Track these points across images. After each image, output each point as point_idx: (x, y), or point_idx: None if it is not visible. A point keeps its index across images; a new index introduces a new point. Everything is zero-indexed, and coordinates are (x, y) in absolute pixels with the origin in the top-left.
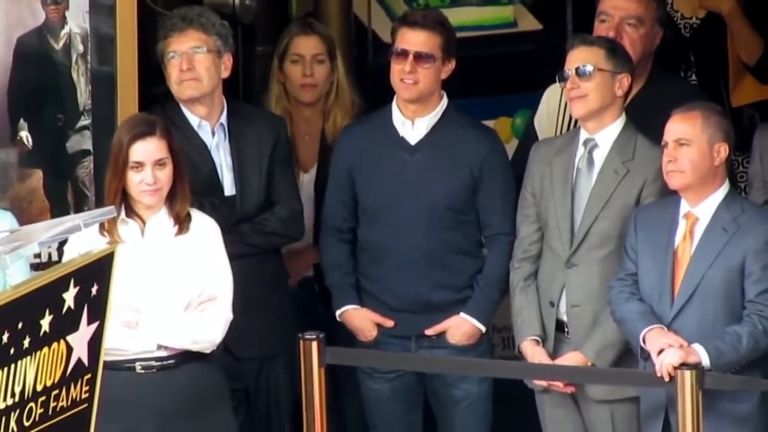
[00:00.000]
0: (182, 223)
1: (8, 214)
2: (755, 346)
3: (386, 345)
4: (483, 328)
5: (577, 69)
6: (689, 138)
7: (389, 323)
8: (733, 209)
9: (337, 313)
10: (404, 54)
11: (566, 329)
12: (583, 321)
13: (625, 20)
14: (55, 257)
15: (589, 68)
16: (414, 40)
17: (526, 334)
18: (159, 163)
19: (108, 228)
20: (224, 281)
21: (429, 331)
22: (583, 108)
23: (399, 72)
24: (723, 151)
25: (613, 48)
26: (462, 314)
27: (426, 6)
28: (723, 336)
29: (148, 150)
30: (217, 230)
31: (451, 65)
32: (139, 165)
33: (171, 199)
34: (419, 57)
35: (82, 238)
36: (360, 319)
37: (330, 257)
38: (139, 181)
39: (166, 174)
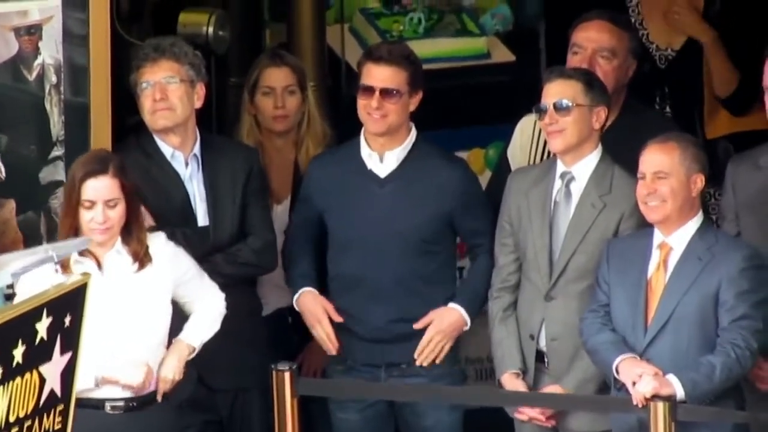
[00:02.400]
0: (141, 258)
1: None
2: (729, 375)
3: (356, 373)
4: (468, 321)
5: (555, 104)
6: (668, 171)
7: (338, 318)
8: (707, 239)
9: (295, 298)
10: (370, 90)
11: (546, 361)
12: (562, 354)
13: (598, 52)
14: None
15: (568, 103)
16: (379, 75)
17: (506, 367)
18: (110, 203)
19: (64, 265)
20: (208, 294)
21: (417, 325)
22: (562, 143)
23: (365, 107)
24: (699, 181)
25: (590, 81)
26: (450, 304)
27: (400, 37)
28: (697, 367)
29: (99, 188)
30: (180, 253)
31: (418, 97)
32: (91, 203)
33: (126, 237)
34: (385, 93)
35: (37, 278)
36: (314, 303)
37: (294, 253)
38: (89, 219)
39: (117, 213)
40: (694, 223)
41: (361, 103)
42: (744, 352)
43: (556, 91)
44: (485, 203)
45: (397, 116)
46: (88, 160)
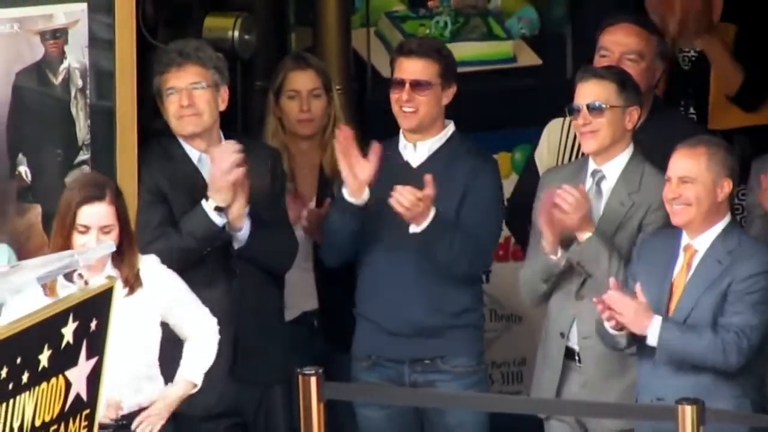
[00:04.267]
0: (132, 283)
1: (4, 246)
2: (703, 358)
3: (380, 368)
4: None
5: (588, 105)
6: (693, 176)
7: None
8: (729, 242)
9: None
10: (401, 83)
11: (577, 358)
12: (595, 352)
13: (625, 55)
14: None
15: (601, 104)
16: (410, 68)
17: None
18: (105, 229)
19: (51, 288)
20: (201, 319)
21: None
22: (595, 144)
23: (397, 101)
24: (727, 186)
25: (624, 81)
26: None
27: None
28: (686, 330)
29: (95, 214)
30: (171, 275)
31: (452, 90)
32: (85, 228)
33: (117, 261)
34: (416, 85)
35: (24, 300)
36: None
37: None
38: (82, 244)
39: (110, 239)
40: (720, 226)
41: (393, 97)
42: (732, 346)
43: (590, 92)
44: (490, 204)
45: (429, 109)
46: (84, 184)
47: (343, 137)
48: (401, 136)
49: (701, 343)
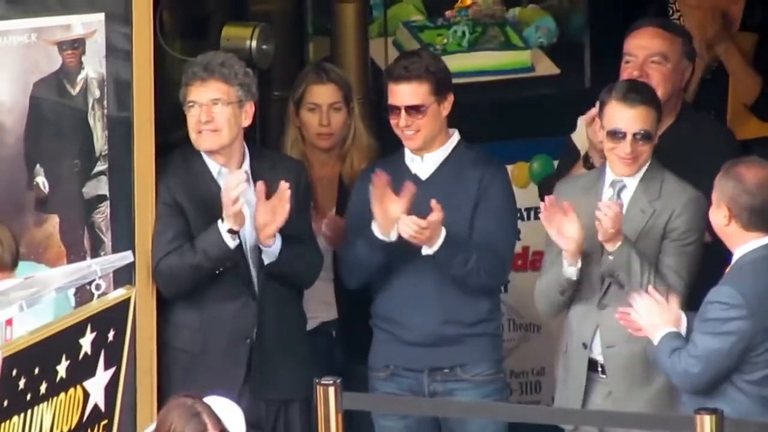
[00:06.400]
0: None
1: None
2: (665, 373)
3: (399, 379)
4: None
5: (635, 134)
6: (712, 198)
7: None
8: (734, 271)
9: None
10: (396, 109)
11: (600, 369)
12: (620, 361)
13: (650, 58)
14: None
15: (650, 132)
16: (402, 93)
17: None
18: None
19: None
20: None
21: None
22: (635, 168)
23: (396, 125)
24: (728, 211)
25: (658, 106)
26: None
27: (443, 50)
28: (680, 347)
29: None
30: None
31: (449, 101)
32: None
33: None
34: (411, 109)
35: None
36: None
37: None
38: None
39: None
40: (745, 248)
41: (392, 122)
42: (681, 372)
43: (641, 119)
44: (504, 212)
45: (430, 128)
46: (183, 417)
47: (379, 182)
48: (407, 149)
49: (662, 360)
